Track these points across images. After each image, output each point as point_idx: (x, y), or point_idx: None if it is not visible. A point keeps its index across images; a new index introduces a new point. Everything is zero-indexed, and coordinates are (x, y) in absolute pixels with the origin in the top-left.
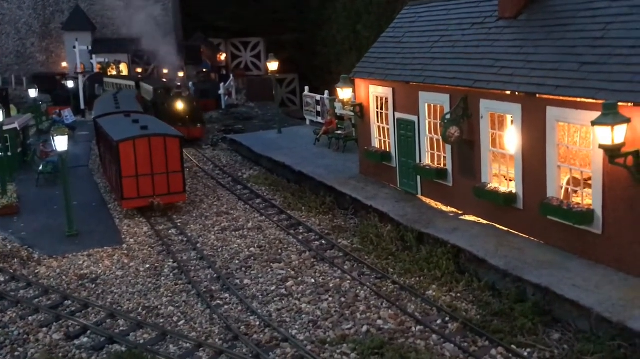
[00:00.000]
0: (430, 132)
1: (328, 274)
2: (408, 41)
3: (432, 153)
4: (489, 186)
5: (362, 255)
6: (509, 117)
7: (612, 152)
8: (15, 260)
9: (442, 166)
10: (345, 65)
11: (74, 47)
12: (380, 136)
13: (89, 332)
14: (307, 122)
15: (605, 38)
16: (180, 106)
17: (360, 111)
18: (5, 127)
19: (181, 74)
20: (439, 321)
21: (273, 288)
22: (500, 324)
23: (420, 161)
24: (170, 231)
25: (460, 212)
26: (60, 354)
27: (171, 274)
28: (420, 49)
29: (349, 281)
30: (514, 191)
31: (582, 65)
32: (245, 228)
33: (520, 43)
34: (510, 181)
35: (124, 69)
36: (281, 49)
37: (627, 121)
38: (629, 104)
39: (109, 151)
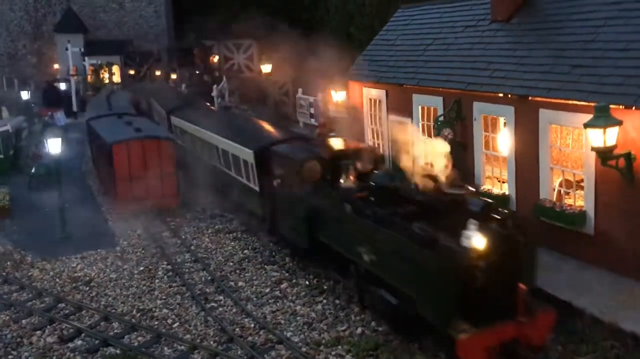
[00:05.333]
0: (423, 135)
1: (322, 276)
2: (401, 44)
3: None
4: (482, 188)
5: None
6: (501, 120)
7: (604, 154)
8: (8, 263)
9: None
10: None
11: (66, 49)
12: (373, 138)
13: (83, 335)
14: (301, 124)
15: (596, 41)
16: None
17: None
18: None
19: (174, 76)
20: None
21: (267, 290)
22: None
23: None
24: (164, 234)
25: None
26: (55, 358)
27: (165, 277)
28: (414, 52)
29: (342, 283)
30: (507, 193)
31: (573, 68)
32: (239, 230)
33: (512, 46)
34: (503, 182)
35: (116, 71)
36: (274, 51)
37: (619, 123)
38: (620, 107)
39: (102, 153)
